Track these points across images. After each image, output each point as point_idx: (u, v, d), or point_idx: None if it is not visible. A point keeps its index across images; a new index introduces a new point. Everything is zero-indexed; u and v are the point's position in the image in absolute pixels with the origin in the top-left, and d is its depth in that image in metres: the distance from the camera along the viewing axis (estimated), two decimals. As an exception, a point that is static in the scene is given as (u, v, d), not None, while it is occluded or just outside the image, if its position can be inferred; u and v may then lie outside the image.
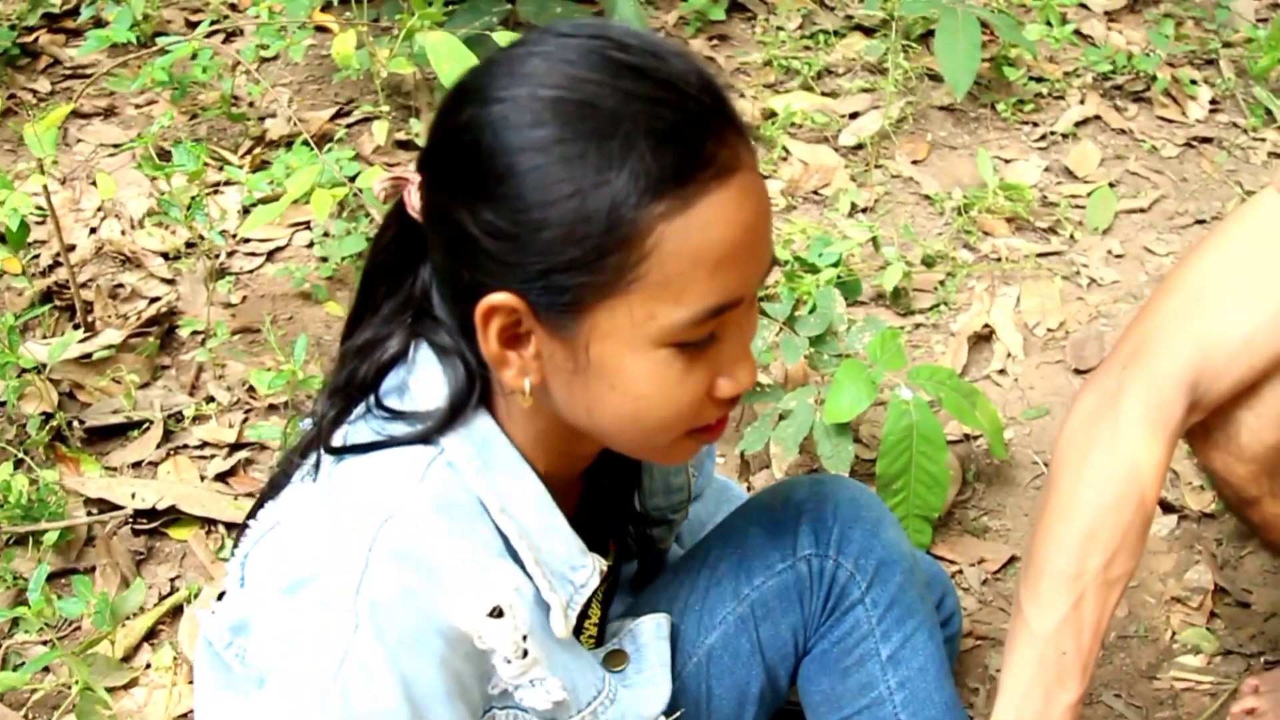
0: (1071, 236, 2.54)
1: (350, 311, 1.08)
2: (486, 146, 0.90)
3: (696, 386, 0.95)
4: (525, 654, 1.01)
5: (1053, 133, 2.80)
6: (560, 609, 1.02)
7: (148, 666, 1.75)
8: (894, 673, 1.25)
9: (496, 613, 0.97)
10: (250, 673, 1.02)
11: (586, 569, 1.05)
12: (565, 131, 0.88)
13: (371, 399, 1.03)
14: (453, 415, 1.00)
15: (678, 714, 1.19)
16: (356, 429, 1.02)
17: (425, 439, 0.99)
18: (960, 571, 1.93)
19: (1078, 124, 2.82)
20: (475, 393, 1.00)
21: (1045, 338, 2.32)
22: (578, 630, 1.23)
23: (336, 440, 1.02)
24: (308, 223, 2.52)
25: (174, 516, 1.96)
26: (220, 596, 1.05)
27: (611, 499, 1.24)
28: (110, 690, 1.69)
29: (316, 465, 1.03)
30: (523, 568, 1.00)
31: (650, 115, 0.88)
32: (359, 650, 0.92)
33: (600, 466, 1.19)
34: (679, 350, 0.92)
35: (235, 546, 1.07)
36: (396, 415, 1.01)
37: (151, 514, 1.96)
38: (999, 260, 2.47)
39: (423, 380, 1.02)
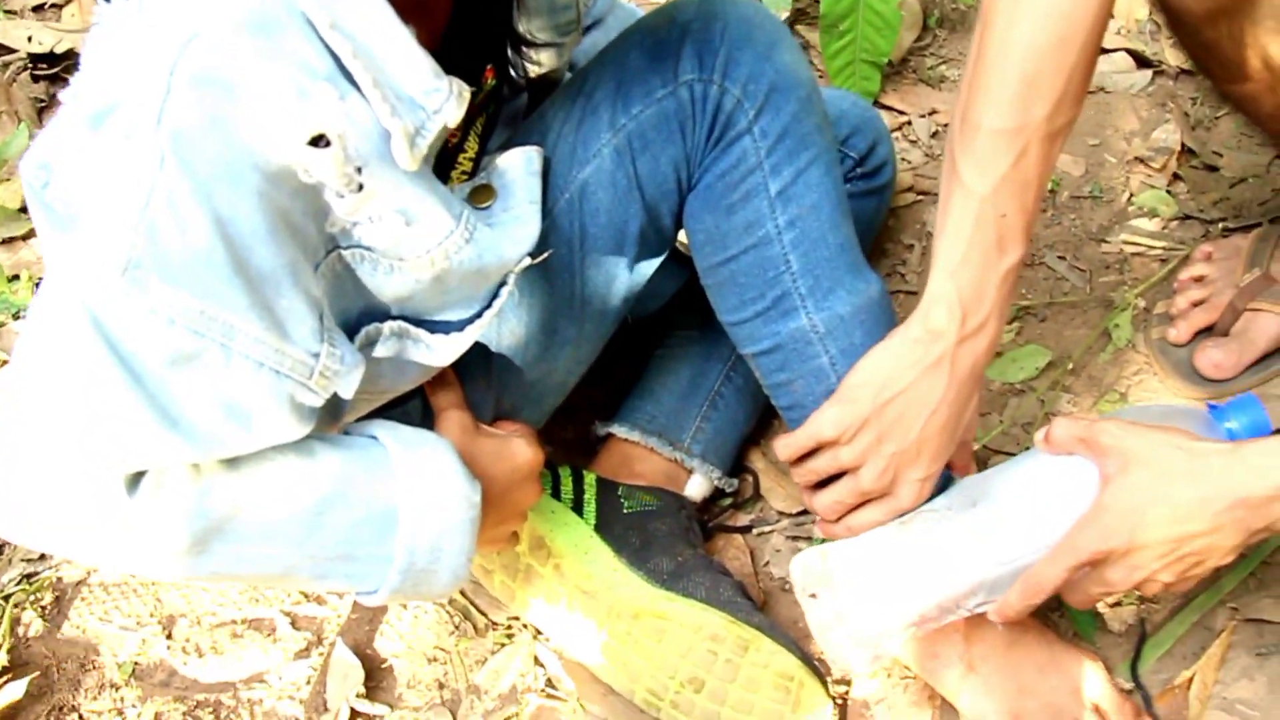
0: None
1: None
2: None
3: None
4: (360, 187, 0.91)
5: None
6: (404, 136, 0.91)
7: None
8: (783, 210, 1.16)
9: (322, 142, 0.87)
10: (68, 213, 0.94)
11: (441, 93, 0.93)
12: None
13: None
14: None
15: (545, 255, 1.10)
16: None
17: None
18: (909, 123, 1.82)
19: None
20: None
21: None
22: (449, 165, 1.15)
23: None
24: None
25: (76, 62, 1.85)
26: None
27: (486, 19, 1.12)
28: (7, 241, 1.64)
29: None
30: (361, 92, 0.89)
31: None
32: (165, 187, 0.82)
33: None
34: None
35: None
36: None
37: (52, 59, 1.85)
38: None
39: None
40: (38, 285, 1.59)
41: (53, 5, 1.93)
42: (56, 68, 1.84)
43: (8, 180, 1.69)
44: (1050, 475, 1.13)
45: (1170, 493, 1.04)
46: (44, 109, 1.82)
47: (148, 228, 0.82)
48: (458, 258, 0.99)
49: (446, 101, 0.93)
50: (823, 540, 1.37)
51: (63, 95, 0.95)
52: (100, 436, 0.86)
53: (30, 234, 1.66)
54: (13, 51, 1.83)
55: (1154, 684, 1.28)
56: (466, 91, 0.95)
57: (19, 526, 0.92)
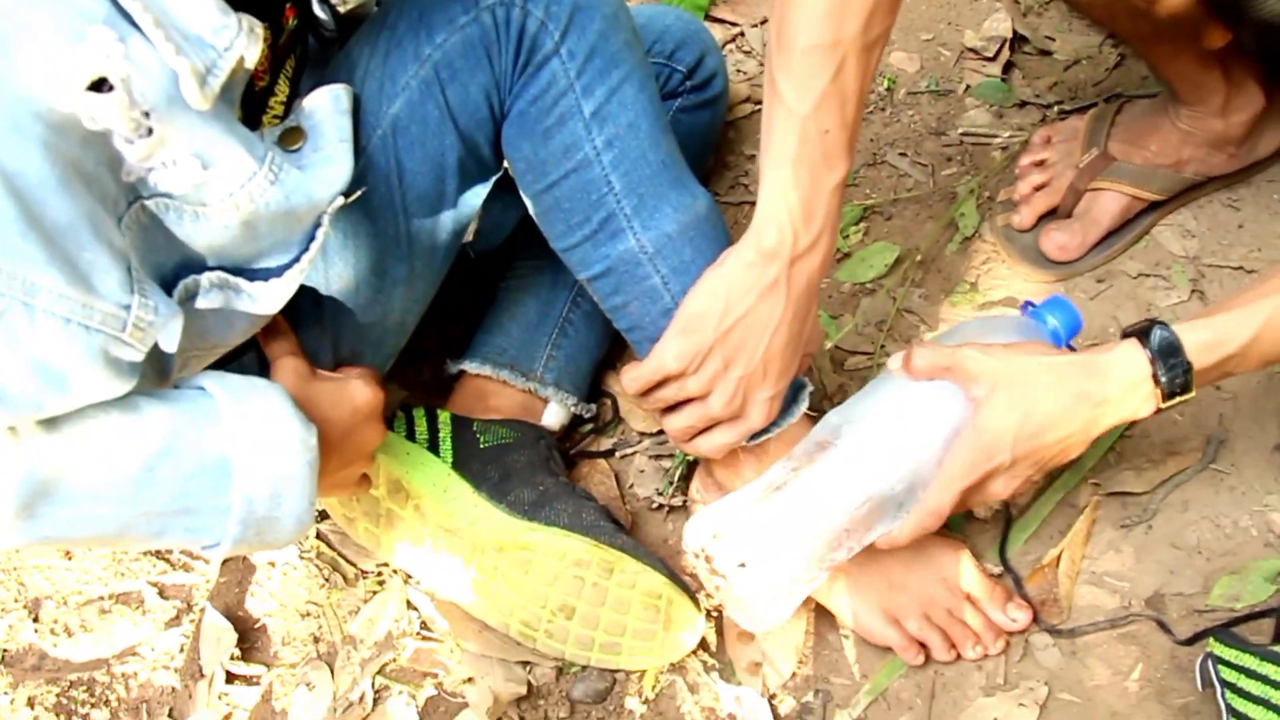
0: None
1: None
2: None
3: None
4: (150, 131, 0.89)
5: None
6: (192, 76, 0.89)
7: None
8: (599, 131, 1.15)
9: (105, 86, 0.85)
10: None
11: (230, 30, 0.91)
12: None
13: None
14: None
15: (358, 193, 1.09)
16: None
17: None
18: (742, 34, 1.82)
19: None
20: None
21: None
22: (260, 110, 1.13)
23: None
24: None
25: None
26: None
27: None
28: None
29: None
30: (143, 33, 0.87)
31: None
32: None
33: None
34: None
35: None
36: None
37: None
38: None
39: None
40: None
41: None
42: None
43: None
44: (917, 401, 1.14)
45: (1038, 405, 1.09)
46: None
47: None
48: (263, 200, 0.98)
49: (237, 38, 0.91)
50: (685, 458, 1.39)
51: None
52: None
53: None
54: None
55: (1023, 565, 1.31)
56: (259, 27, 0.93)
57: None
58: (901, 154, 1.72)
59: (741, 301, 1.14)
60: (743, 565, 1.10)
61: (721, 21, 1.82)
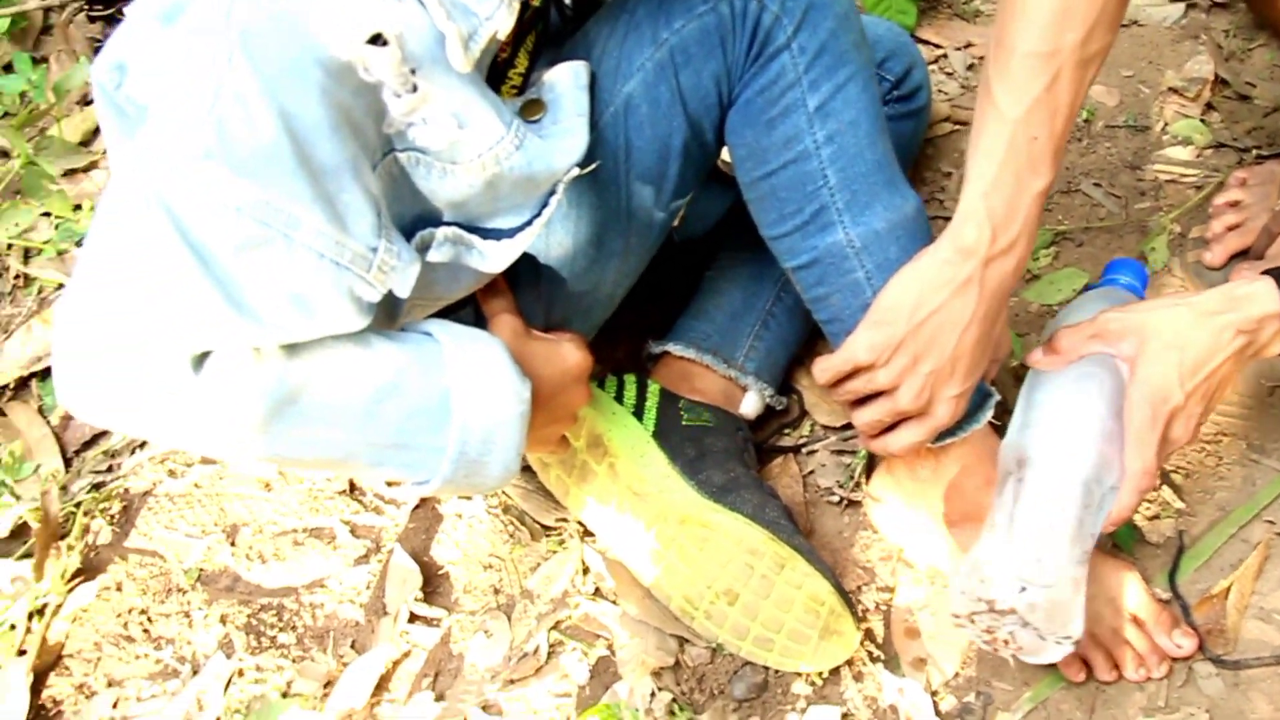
0: None
1: None
2: None
3: None
4: (415, 89, 0.96)
5: None
6: (458, 40, 0.95)
7: (106, 151, 1.74)
8: (821, 125, 1.19)
9: (379, 40, 0.92)
10: (141, 113, 0.99)
11: (492, 1, 0.98)
12: None
13: None
14: None
15: (593, 166, 1.14)
16: None
17: None
18: (945, 55, 1.85)
19: None
20: None
21: None
22: (500, 80, 1.19)
23: None
24: None
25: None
26: None
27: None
28: (69, 173, 1.69)
29: None
30: None
31: None
32: (234, 81, 0.87)
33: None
34: None
35: None
36: None
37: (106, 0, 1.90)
38: None
39: None
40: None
41: (107, -51, 1.98)
42: (111, 9, 1.90)
43: (68, 115, 1.74)
44: (1076, 384, 1.18)
45: (1190, 341, 1.15)
46: (99, 48, 1.86)
47: (217, 121, 0.87)
48: (508, 163, 1.04)
49: (498, 9, 0.98)
50: (867, 455, 1.42)
51: (130, 6, 1.00)
52: (171, 318, 0.91)
53: (91, 166, 1.71)
54: (71, -7, 1.89)
55: (1192, 594, 1.32)
56: (516, 2, 0.99)
57: (91, 405, 0.96)
58: (1096, 184, 1.73)
59: (935, 296, 1.17)
60: (1024, 589, 1.12)
61: (926, 42, 1.85)
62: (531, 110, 1.12)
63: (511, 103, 1.10)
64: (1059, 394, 1.19)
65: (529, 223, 1.10)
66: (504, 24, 0.99)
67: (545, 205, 1.10)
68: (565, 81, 1.14)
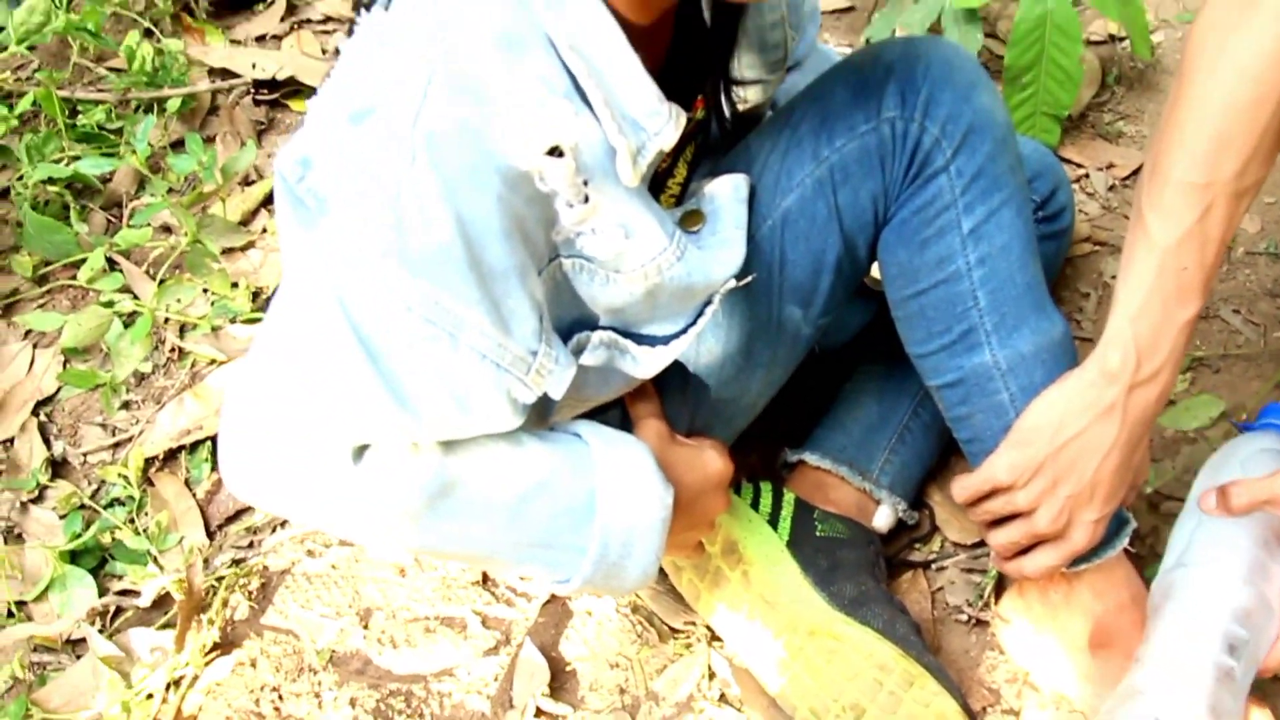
0: None
1: None
2: None
3: None
4: (586, 199, 0.99)
5: None
6: (628, 154, 0.98)
7: (264, 231, 1.80)
8: (974, 248, 1.20)
9: (556, 152, 0.95)
10: (321, 206, 1.03)
11: (661, 116, 1.00)
12: None
13: None
14: None
15: (749, 279, 1.16)
16: None
17: None
18: (1086, 175, 1.85)
19: None
20: None
21: (1215, -63, 2.14)
22: (660, 189, 1.22)
23: None
24: None
25: (295, 88, 1.98)
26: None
27: (701, 53, 1.19)
28: (227, 251, 1.75)
29: None
30: (592, 110, 0.97)
31: None
32: (415, 183, 0.91)
33: (691, 20, 1.14)
34: None
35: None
36: None
37: (273, 84, 1.97)
38: None
39: None
40: (254, 294, 1.70)
41: (273, 36, 2.06)
42: (277, 93, 1.97)
43: (230, 195, 1.81)
44: (1236, 531, 1.18)
45: None
46: (263, 131, 1.94)
47: (396, 221, 0.91)
48: (669, 273, 1.06)
49: (666, 125, 1.00)
50: (998, 574, 1.41)
51: (313, 101, 1.04)
52: (337, 410, 0.95)
53: (249, 245, 1.77)
54: (237, 77, 1.97)
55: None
56: (683, 117, 1.02)
57: (255, 489, 1.01)
58: (1235, 310, 1.72)
59: (1077, 420, 1.17)
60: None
61: (1068, 161, 1.85)
62: (691, 221, 1.14)
63: (672, 212, 1.13)
64: (1219, 535, 1.18)
65: (683, 331, 1.12)
66: (670, 139, 1.01)
67: (700, 314, 1.12)
68: (725, 194, 1.16)
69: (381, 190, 0.91)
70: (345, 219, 0.94)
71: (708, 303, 1.12)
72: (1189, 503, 1.24)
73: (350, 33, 1.05)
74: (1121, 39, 1.97)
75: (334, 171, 1.00)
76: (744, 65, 1.24)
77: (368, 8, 1.03)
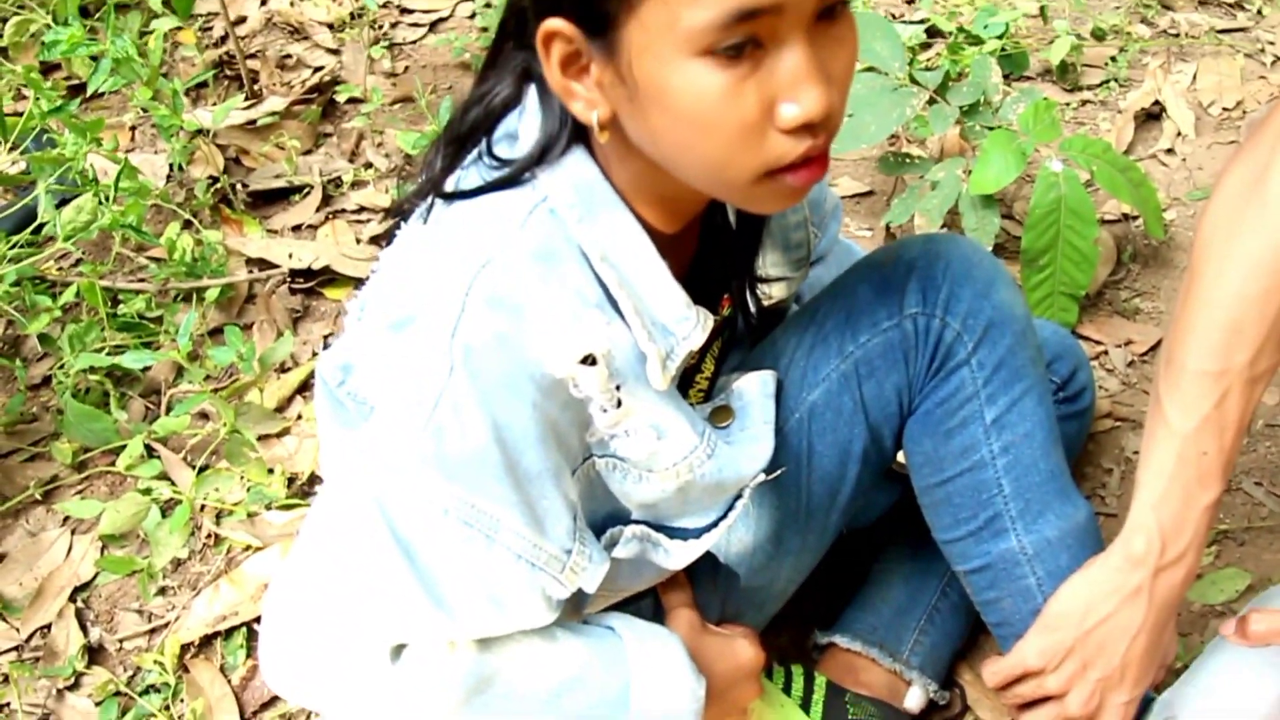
0: (1259, 12, 2.39)
1: (481, 66, 1.08)
2: None
3: (746, 108, 0.88)
4: (619, 403, 1.02)
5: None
6: (658, 360, 1.02)
7: (299, 417, 1.84)
8: (998, 437, 1.23)
9: (589, 360, 0.98)
10: (361, 409, 1.07)
11: (690, 321, 1.05)
12: None
13: (484, 144, 1.04)
14: (543, 152, 0.99)
15: (779, 472, 1.19)
16: (468, 174, 1.03)
17: (518, 177, 1.00)
18: (1105, 352, 1.89)
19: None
20: (566, 129, 0.99)
21: (1220, 117, 2.21)
22: (688, 384, 1.25)
23: (448, 186, 1.04)
24: (470, -7, 2.53)
25: (330, 277, 2.04)
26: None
27: (726, 255, 1.23)
28: (264, 438, 1.78)
29: (429, 210, 1.05)
30: (623, 317, 1.01)
31: None
32: (453, 392, 0.94)
33: (716, 222, 1.18)
34: (716, 61, 0.86)
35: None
36: (504, 163, 1.02)
37: (308, 274, 2.03)
38: (1177, 36, 2.34)
39: (529, 125, 1.01)
40: (290, 480, 1.73)
41: (309, 226, 2.13)
42: (312, 281, 2.03)
43: (266, 384, 1.85)
44: (1249, 662, 1.20)
45: None
46: (299, 319, 1.99)
47: (434, 428, 0.95)
48: (700, 471, 1.09)
49: (694, 329, 1.05)
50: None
51: (351, 305, 1.09)
52: (376, 609, 0.98)
53: (284, 432, 1.80)
54: (274, 266, 2.03)
55: None
56: (710, 320, 1.06)
57: (294, 683, 1.04)
58: (1257, 483, 1.74)
59: (1104, 604, 1.19)
60: None
61: (1086, 339, 1.89)
62: (720, 417, 1.18)
63: (702, 409, 1.16)
64: (1227, 661, 1.19)
65: (715, 524, 1.15)
66: (698, 342, 1.05)
67: (731, 508, 1.15)
68: (753, 390, 1.20)
69: (420, 398, 0.95)
70: (385, 424, 0.98)
71: (738, 496, 1.15)
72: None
73: (389, 240, 1.10)
74: (1135, 218, 2.02)
75: (374, 377, 1.04)
76: (768, 264, 1.28)
77: (405, 218, 1.09)
